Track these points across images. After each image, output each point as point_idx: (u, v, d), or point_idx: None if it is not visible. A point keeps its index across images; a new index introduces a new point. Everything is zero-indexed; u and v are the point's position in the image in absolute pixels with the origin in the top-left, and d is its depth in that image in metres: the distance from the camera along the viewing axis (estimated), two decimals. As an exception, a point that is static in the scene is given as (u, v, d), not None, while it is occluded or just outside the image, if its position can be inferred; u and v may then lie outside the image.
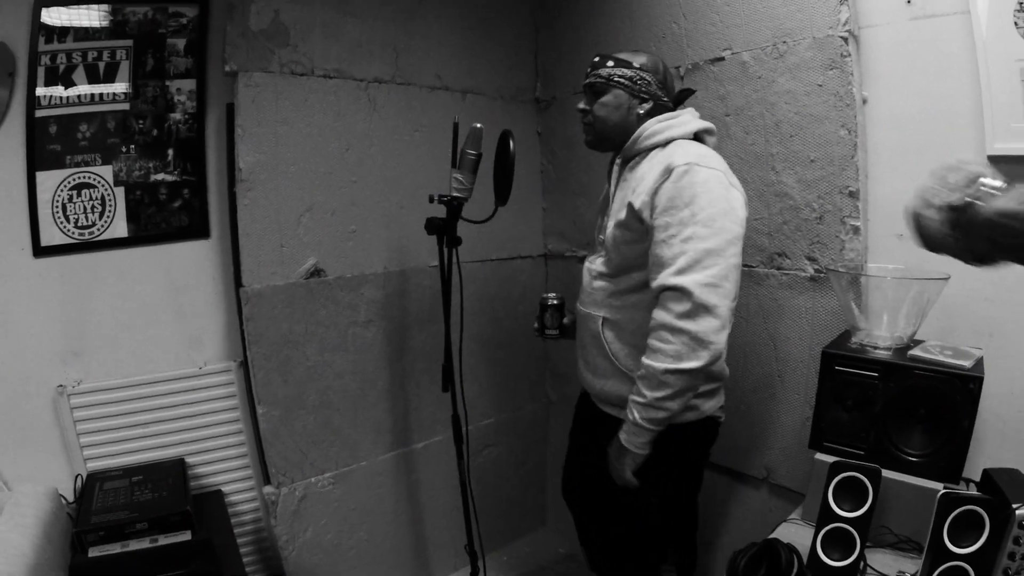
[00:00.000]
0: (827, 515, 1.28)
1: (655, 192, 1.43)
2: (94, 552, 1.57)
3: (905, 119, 1.63)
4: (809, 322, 1.78)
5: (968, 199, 0.81)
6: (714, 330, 1.34)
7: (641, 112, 1.58)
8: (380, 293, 2.23)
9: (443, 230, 1.76)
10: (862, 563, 1.29)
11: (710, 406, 1.59)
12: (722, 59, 1.93)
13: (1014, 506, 1.11)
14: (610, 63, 1.60)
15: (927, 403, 1.36)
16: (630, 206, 1.49)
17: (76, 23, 1.87)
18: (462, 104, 2.39)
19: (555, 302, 1.80)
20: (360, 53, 2.12)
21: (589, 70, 1.64)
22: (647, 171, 1.50)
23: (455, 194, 1.71)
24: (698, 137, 1.58)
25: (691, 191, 1.38)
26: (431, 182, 1.99)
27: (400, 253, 2.24)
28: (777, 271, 1.85)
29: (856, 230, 1.66)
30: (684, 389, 1.39)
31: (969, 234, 0.82)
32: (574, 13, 2.46)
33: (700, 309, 1.33)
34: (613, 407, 1.62)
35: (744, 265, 1.62)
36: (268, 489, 2.02)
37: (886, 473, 1.31)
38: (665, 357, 1.37)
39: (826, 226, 1.71)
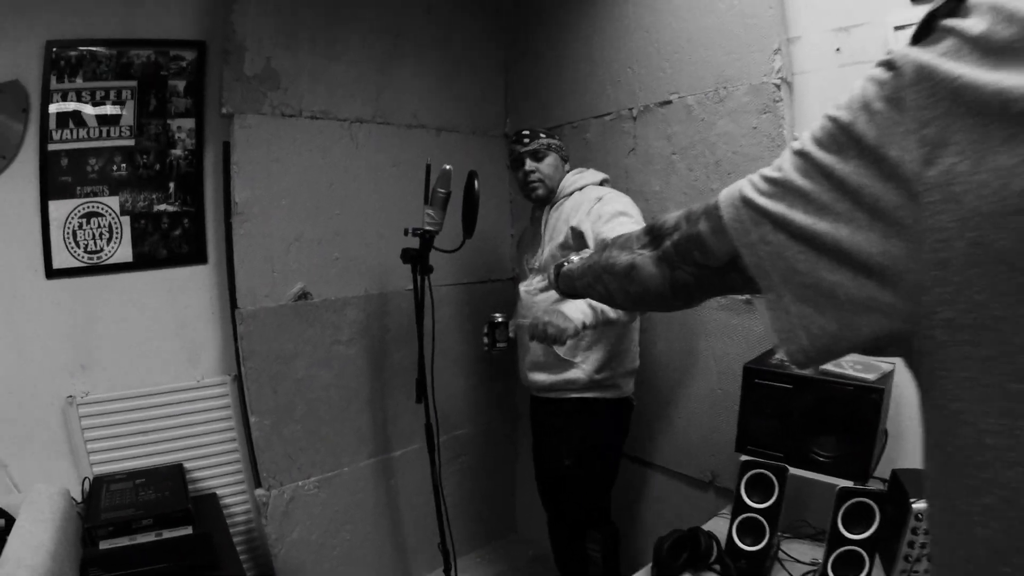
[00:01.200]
0: (740, 506, 1.57)
1: (590, 212, 1.98)
2: (104, 545, 1.83)
3: None
4: (744, 340, 2.06)
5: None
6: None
7: (567, 169, 2.16)
8: (361, 314, 2.52)
9: (417, 259, 2.06)
10: (773, 548, 1.58)
11: (629, 389, 2.18)
12: (670, 102, 2.23)
13: (911, 500, 1.40)
14: (542, 135, 2.13)
15: (837, 411, 1.65)
16: (572, 229, 2.00)
17: (85, 64, 2.19)
18: (437, 140, 2.70)
19: (501, 320, 2.12)
20: (343, 95, 2.43)
21: (527, 141, 2.12)
22: (574, 206, 2.07)
23: (427, 228, 2.02)
24: (602, 183, 2.17)
25: (615, 204, 1.98)
26: (408, 213, 2.27)
27: (380, 278, 2.53)
28: (749, 298, 2.14)
29: None
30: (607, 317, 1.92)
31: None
32: (540, 55, 2.79)
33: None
34: (556, 392, 2.13)
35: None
36: (259, 492, 2.30)
37: (805, 473, 1.58)
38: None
39: None
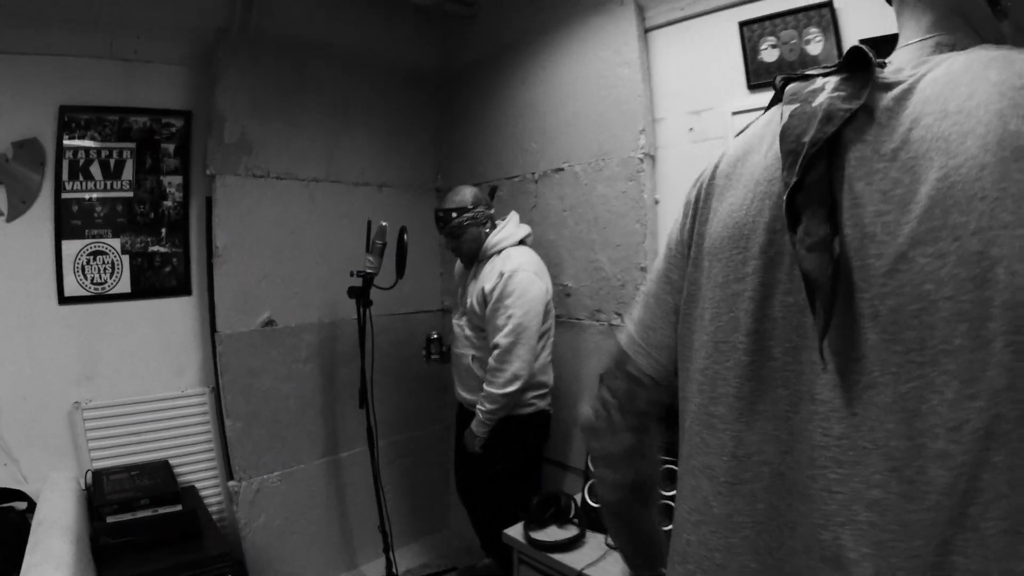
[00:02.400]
0: (588, 475, 2.27)
1: (493, 288, 2.59)
2: (111, 519, 2.44)
3: None
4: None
5: None
6: (522, 369, 2.50)
7: (487, 231, 2.75)
8: (316, 338, 3.22)
9: (360, 295, 2.75)
10: None
11: (543, 403, 2.75)
12: (562, 169, 2.97)
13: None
14: (454, 214, 2.71)
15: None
16: (481, 290, 2.63)
17: (92, 126, 2.85)
18: (379, 195, 3.42)
19: (436, 336, 2.88)
20: (303, 159, 3.15)
21: (442, 226, 2.74)
22: (490, 270, 2.68)
23: (367, 270, 2.72)
24: (523, 240, 2.74)
25: (511, 288, 2.56)
26: (353, 257, 2.94)
27: (331, 309, 3.22)
28: (596, 322, 2.84)
29: None
30: (507, 404, 2.54)
31: None
32: (466, 124, 3.56)
33: (511, 361, 2.49)
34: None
35: (574, 318, 2.76)
36: (232, 483, 2.95)
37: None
38: (494, 386, 2.52)
39: (627, 291, 2.71)
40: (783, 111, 0.74)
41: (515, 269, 2.61)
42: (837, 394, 0.66)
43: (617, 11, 2.73)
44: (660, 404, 0.94)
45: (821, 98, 0.71)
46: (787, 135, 0.71)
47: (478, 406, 2.62)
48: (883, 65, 0.74)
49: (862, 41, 0.73)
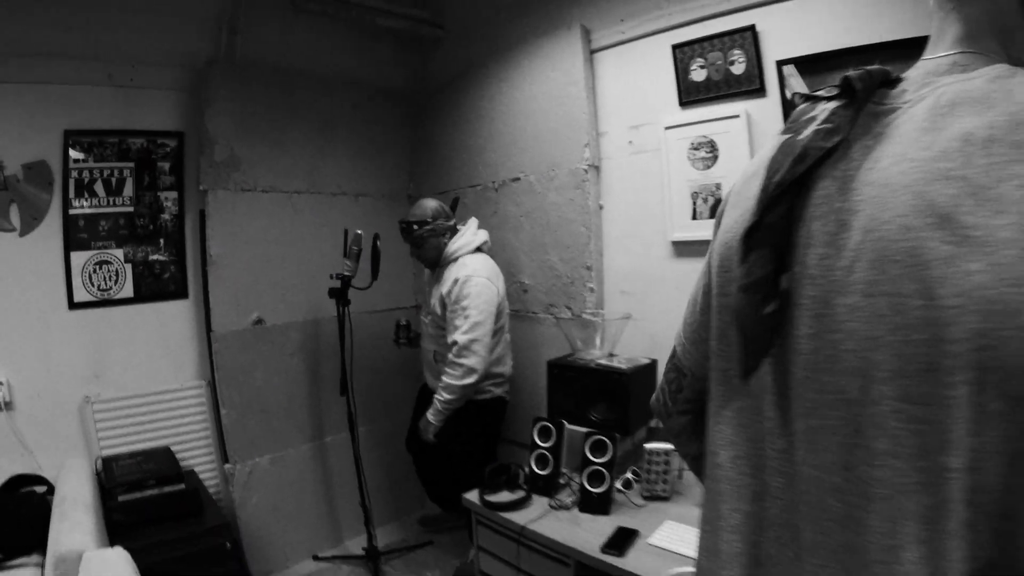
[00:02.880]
0: (534, 446, 2.64)
1: (450, 292, 2.98)
2: (122, 498, 2.82)
3: (627, 217, 3.00)
4: (561, 346, 3.16)
5: None
6: (477, 364, 2.88)
7: (446, 240, 3.12)
8: (301, 335, 3.63)
9: (339, 296, 3.14)
10: (558, 472, 2.61)
11: (500, 391, 3.14)
12: (519, 179, 3.38)
13: (629, 439, 2.50)
14: (415, 226, 3.09)
15: (606, 388, 2.70)
16: (441, 294, 3.03)
17: (94, 148, 3.23)
18: (356, 204, 3.82)
19: (404, 322, 3.34)
20: (286, 173, 3.55)
21: (406, 234, 3.13)
22: (449, 275, 3.05)
23: (345, 273, 3.11)
24: (480, 247, 3.12)
25: (466, 292, 2.94)
26: (333, 262, 3.33)
27: (314, 308, 3.62)
28: (550, 316, 3.24)
29: (592, 290, 3.06)
30: (463, 396, 2.93)
31: None
32: (435, 138, 4.00)
33: (468, 356, 2.86)
34: None
35: (531, 313, 3.17)
36: (227, 466, 3.35)
37: (589, 428, 2.65)
38: (453, 379, 2.90)
39: (575, 287, 3.12)
40: (778, 140, 0.78)
41: (470, 275, 3.00)
42: (777, 414, 0.74)
43: (565, 35, 3.12)
44: (703, 393, 0.95)
45: (808, 131, 0.74)
46: (769, 169, 0.75)
47: (436, 396, 3.03)
48: (896, 82, 0.75)
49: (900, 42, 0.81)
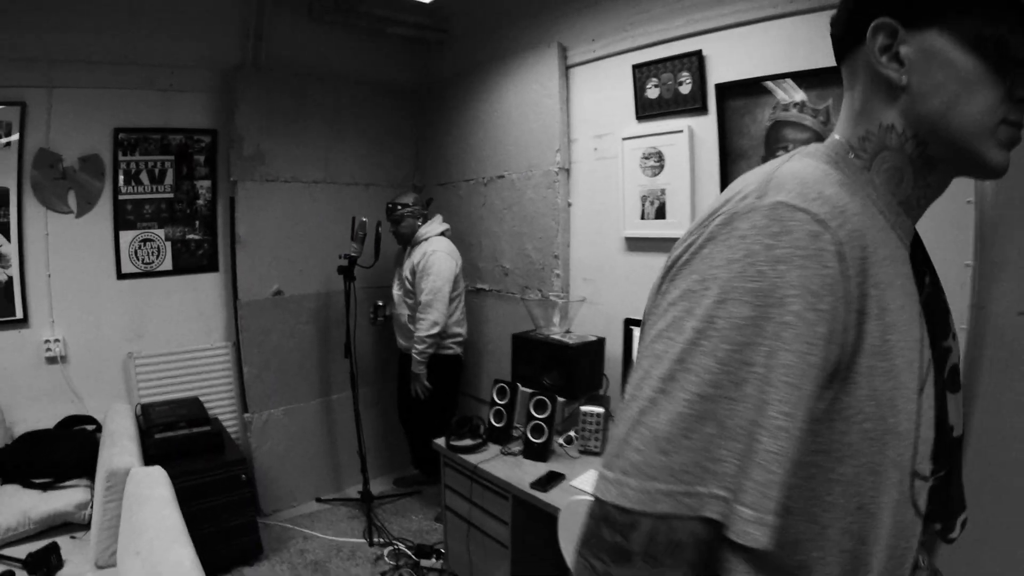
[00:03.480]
0: (493, 403, 3.26)
1: (419, 263, 3.70)
2: (158, 436, 3.47)
3: (590, 214, 3.60)
4: (517, 321, 3.76)
5: None
6: (439, 318, 3.63)
7: (419, 224, 3.83)
8: (314, 305, 4.30)
9: (346, 272, 3.79)
10: (512, 426, 3.24)
11: (458, 350, 3.89)
12: (503, 176, 3.99)
13: (577, 403, 3.10)
14: (399, 207, 3.83)
15: (557, 359, 3.29)
16: (412, 265, 3.73)
17: (140, 144, 3.89)
18: (367, 193, 4.46)
19: (380, 303, 4.03)
20: (305, 165, 4.19)
21: (390, 212, 3.84)
22: (419, 251, 3.81)
23: (352, 254, 3.76)
24: (443, 233, 3.85)
25: (430, 264, 3.70)
26: (343, 244, 3.97)
27: (326, 282, 4.27)
28: (525, 295, 3.86)
29: (558, 276, 3.66)
30: (432, 343, 3.66)
31: None
32: (438, 133, 4.60)
33: (430, 311, 3.58)
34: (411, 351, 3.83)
35: (510, 293, 3.80)
36: (247, 415, 4.04)
37: (540, 391, 3.26)
38: (422, 331, 3.64)
39: (545, 273, 3.73)
40: None
41: (435, 251, 3.86)
42: None
43: (545, 51, 3.69)
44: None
45: None
46: None
47: (412, 351, 3.81)
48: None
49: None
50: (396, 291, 4.09)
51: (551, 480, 2.74)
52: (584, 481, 2.71)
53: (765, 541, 0.66)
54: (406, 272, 3.94)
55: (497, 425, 3.21)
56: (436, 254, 3.84)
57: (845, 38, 0.88)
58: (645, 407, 0.70)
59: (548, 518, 2.53)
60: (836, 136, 0.89)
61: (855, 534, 0.76)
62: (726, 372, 0.67)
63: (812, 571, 0.74)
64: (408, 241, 4.02)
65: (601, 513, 0.71)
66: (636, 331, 2.93)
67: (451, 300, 3.88)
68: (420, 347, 3.80)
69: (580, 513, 2.29)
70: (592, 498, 0.74)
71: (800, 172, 0.77)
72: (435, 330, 3.78)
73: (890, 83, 0.82)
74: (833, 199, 0.74)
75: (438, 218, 4.10)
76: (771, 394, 0.66)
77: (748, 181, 0.77)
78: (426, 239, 3.94)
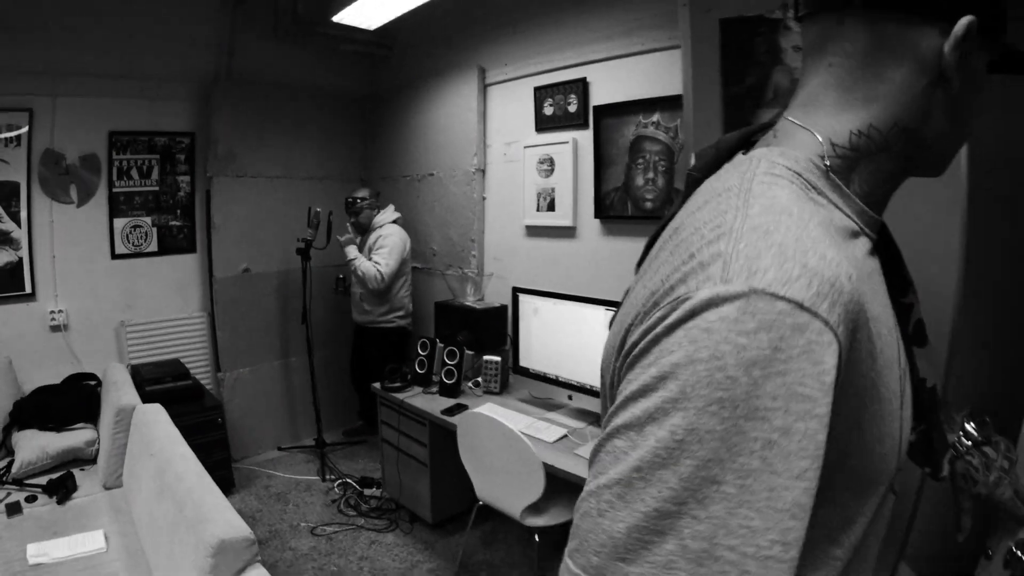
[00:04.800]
0: (416, 355, 4.37)
1: (375, 241, 4.78)
2: (148, 388, 4.48)
3: (500, 206, 4.74)
4: (447, 291, 4.87)
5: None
6: (387, 272, 4.70)
7: (375, 214, 4.87)
8: (276, 281, 5.43)
9: (303, 254, 4.91)
10: (432, 373, 4.35)
11: (403, 323, 4.98)
12: (433, 174, 5.14)
13: (484, 357, 4.20)
14: (358, 200, 4.88)
15: (467, 321, 4.41)
16: (368, 246, 4.80)
17: (131, 144, 4.93)
18: (321, 186, 5.58)
19: (341, 276, 5.13)
20: (269, 163, 5.31)
21: (350, 205, 4.89)
22: (374, 237, 4.85)
23: (307, 239, 4.88)
24: (395, 220, 4.89)
25: (386, 240, 4.76)
26: (300, 229, 5.04)
27: (286, 261, 5.35)
28: (449, 271, 4.99)
29: (474, 256, 4.79)
30: (363, 276, 4.75)
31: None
32: (383, 133, 5.74)
33: (383, 267, 4.69)
34: (367, 323, 4.96)
35: (437, 270, 4.99)
36: (220, 374, 5.16)
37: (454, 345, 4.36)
38: (368, 266, 4.74)
39: (464, 253, 4.88)
40: None
41: (390, 233, 4.88)
42: None
43: (467, 72, 4.82)
44: None
45: None
46: None
47: (356, 259, 4.81)
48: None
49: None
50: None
51: (457, 409, 3.84)
52: (481, 409, 3.74)
53: None
54: (364, 253, 4.97)
55: (420, 372, 4.33)
56: (391, 237, 4.84)
57: None
58: (604, 508, 0.66)
59: (456, 439, 3.49)
60: (812, 132, 0.82)
61: (833, 539, 0.80)
62: (689, 490, 0.61)
63: None
64: (366, 229, 5.03)
65: None
66: (522, 296, 3.95)
67: (400, 276, 4.92)
68: (358, 264, 4.76)
69: (470, 424, 3.38)
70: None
71: (772, 232, 0.67)
72: (379, 277, 4.72)
73: (933, 86, 0.78)
74: (820, 268, 0.65)
75: (390, 207, 5.09)
76: (751, 518, 0.60)
77: (704, 235, 0.71)
78: (381, 226, 4.96)
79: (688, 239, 0.73)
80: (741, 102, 2.67)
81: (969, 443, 1.04)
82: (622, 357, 0.75)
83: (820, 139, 0.80)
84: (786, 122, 0.85)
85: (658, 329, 0.68)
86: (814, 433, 0.62)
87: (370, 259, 4.84)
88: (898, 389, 0.78)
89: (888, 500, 0.87)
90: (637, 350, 0.70)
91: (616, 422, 0.68)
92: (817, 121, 0.82)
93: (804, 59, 0.86)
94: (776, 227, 0.68)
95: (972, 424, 1.09)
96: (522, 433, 3.14)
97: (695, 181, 0.90)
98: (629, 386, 0.68)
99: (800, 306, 0.62)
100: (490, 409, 3.64)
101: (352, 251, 4.83)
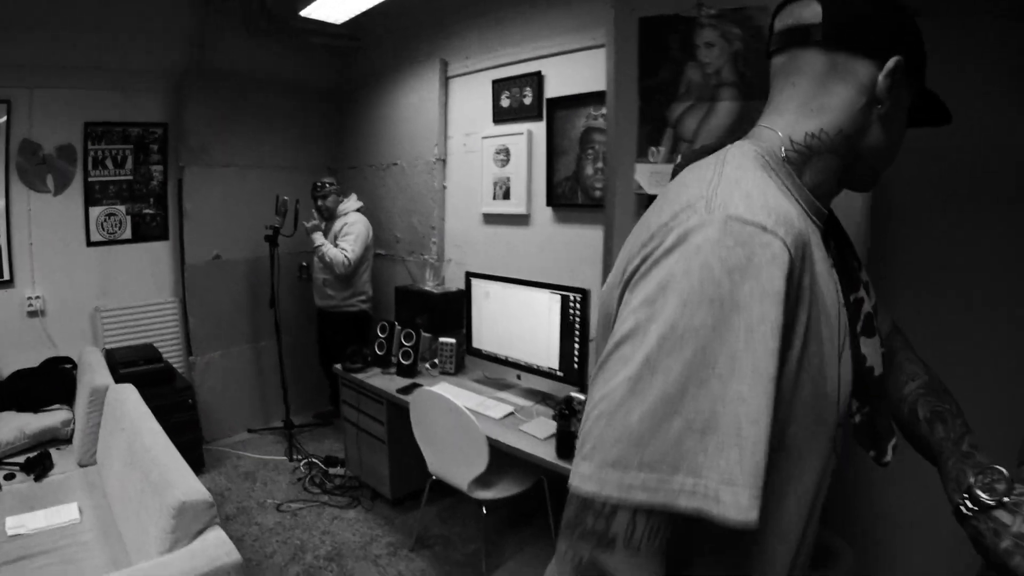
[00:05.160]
0: (376, 337, 4.61)
1: (339, 230, 5.05)
2: (122, 371, 4.73)
3: (459, 195, 4.99)
4: (407, 276, 5.11)
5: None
6: (352, 257, 4.97)
7: (340, 200, 5.15)
8: (245, 267, 5.67)
9: (271, 240, 5.15)
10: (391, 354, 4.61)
11: (365, 306, 5.25)
12: (397, 163, 5.41)
13: (440, 339, 4.45)
14: (326, 184, 5.16)
15: (425, 304, 4.65)
16: (334, 233, 5.06)
17: (105, 135, 5.16)
18: (290, 175, 5.83)
19: (305, 264, 5.38)
20: (240, 153, 5.56)
21: (318, 190, 5.16)
22: (341, 223, 5.12)
23: (276, 226, 5.12)
24: (359, 209, 5.15)
25: (350, 227, 5.04)
26: (268, 217, 5.27)
27: (255, 249, 5.55)
28: (411, 258, 5.24)
29: (435, 243, 5.04)
30: (331, 262, 4.99)
31: None
32: (350, 124, 6.00)
33: (348, 253, 4.96)
34: (330, 307, 5.25)
35: (400, 256, 5.23)
36: (191, 358, 5.41)
37: (412, 328, 4.61)
38: (335, 253, 5.00)
39: (426, 240, 5.14)
40: None
41: (354, 221, 5.14)
42: None
43: (430, 65, 5.05)
44: None
45: None
46: None
47: (322, 247, 5.03)
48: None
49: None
50: (316, 258, 5.36)
51: (412, 388, 4.07)
52: (435, 389, 3.94)
53: (754, 517, 0.77)
54: (328, 238, 5.20)
55: (379, 353, 4.58)
56: (356, 224, 5.12)
57: (796, 33, 1.07)
58: (617, 407, 0.83)
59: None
60: (775, 130, 1.08)
61: (795, 491, 1.00)
62: (689, 373, 0.80)
63: (765, 529, 0.94)
64: (331, 214, 5.28)
65: (583, 502, 0.83)
66: (474, 281, 4.20)
67: (363, 262, 5.17)
68: (324, 251, 4.99)
69: (421, 401, 3.62)
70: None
71: (741, 183, 0.93)
72: (345, 263, 5.00)
73: (870, 105, 1.04)
74: (777, 208, 0.89)
75: (353, 196, 5.36)
76: (741, 390, 0.80)
77: (691, 191, 0.94)
78: (345, 213, 5.22)
79: (678, 193, 0.97)
80: (654, 95, 2.90)
81: (976, 508, 1.01)
82: (623, 284, 0.95)
83: (781, 136, 1.06)
84: (757, 127, 1.11)
85: (657, 253, 0.89)
86: (773, 323, 0.82)
87: (336, 246, 5.08)
88: (837, 343, 1.00)
89: (831, 462, 1.06)
90: (639, 273, 0.91)
91: (622, 330, 0.88)
92: (780, 124, 1.08)
93: (773, 80, 1.13)
94: (744, 180, 0.93)
95: (981, 485, 1.03)
96: (471, 410, 3.38)
97: (680, 168, 1.14)
98: (634, 299, 0.89)
99: (764, 228, 0.85)
100: (443, 388, 3.87)
101: (319, 238, 5.06)
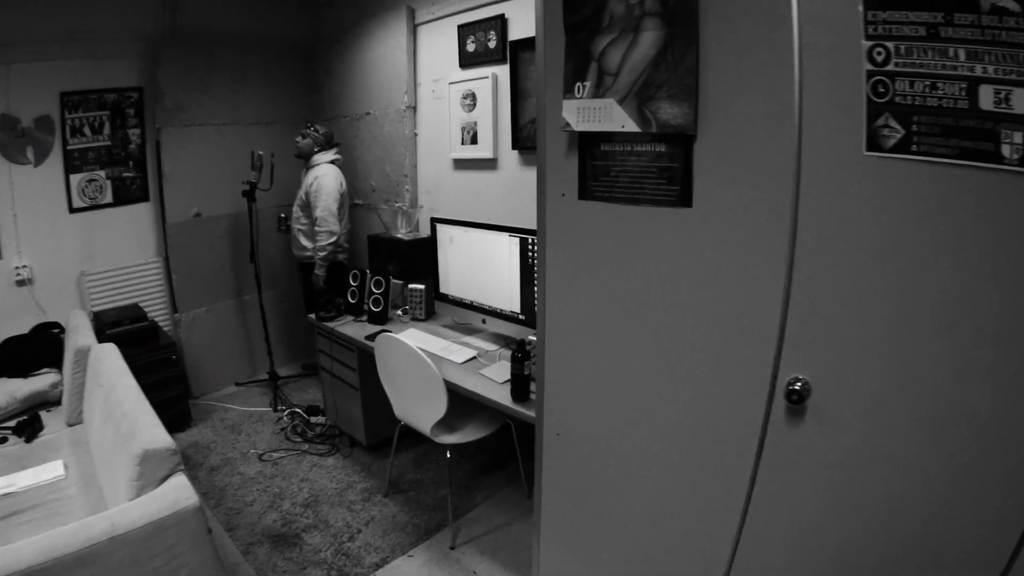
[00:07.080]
0: (349, 286, 5.00)
1: (311, 185, 5.45)
2: (108, 332, 5.24)
3: (430, 142, 5.39)
4: (379, 225, 5.49)
5: None
6: (333, 227, 5.37)
7: (316, 150, 5.57)
8: (226, 223, 6.17)
9: (249, 195, 5.63)
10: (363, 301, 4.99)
11: (342, 257, 5.67)
12: (369, 113, 5.85)
13: (410, 285, 4.82)
14: (311, 127, 5.55)
15: (395, 252, 5.06)
16: (306, 187, 5.50)
17: (82, 103, 5.57)
18: (267, 130, 6.31)
19: (283, 215, 5.91)
20: (216, 111, 6.03)
21: (304, 127, 5.56)
22: (312, 175, 5.50)
23: (253, 181, 5.60)
24: (333, 161, 5.56)
25: (320, 185, 5.42)
26: (246, 172, 5.71)
27: (235, 205, 6.01)
28: (386, 206, 5.66)
29: (408, 190, 5.47)
30: (331, 251, 5.44)
31: None
32: (325, 77, 6.42)
33: (326, 224, 5.34)
34: (307, 258, 5.67)
35: (375, 205, 5.68)
36: (176, 315, 5.93)
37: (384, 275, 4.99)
38: (321, 242, 5.42)
39: (399, 188, 5.58)
40: None
41: (325, 174, 5.46)
42: None
43: (397, 13, 5.42)
44: None
45: None
46: None
47: (316, 259, 5.47)
48: None
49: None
50: (296, 209, 5.74)
51: (380, 334, 4.44)
52: (402, 335, 4.36)
53: None
54: (301, 193, 5.61)
55: (352, 302, 5.03)
56: (325, 177, 5.38)
57: None
58: None
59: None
60: None
61: None
62: None
63: None
64: (304, 156, 5.59)
65: None
66: (439, 226, 4.53)
67: (340, 209, 5.49)
68: (321, 255, 5.38)
69: (384, 346, 4.00)
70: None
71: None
72: (332, 239, 5.35)
73: None
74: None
75: (333, 149, 5.69)
76: None
77: None
78: (317, 164, 5.52)
79: None
80: (579, 30, 3.13)
81: None
82: None
83: None
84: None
85: None
86: None
87: (307, 201, 5.50)
88: None
89: None
90: None
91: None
92: None
93: None
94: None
95: None
96: (434, 355, 3.75)
97: None
98: None
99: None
100: (410, 334, 4.28)
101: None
